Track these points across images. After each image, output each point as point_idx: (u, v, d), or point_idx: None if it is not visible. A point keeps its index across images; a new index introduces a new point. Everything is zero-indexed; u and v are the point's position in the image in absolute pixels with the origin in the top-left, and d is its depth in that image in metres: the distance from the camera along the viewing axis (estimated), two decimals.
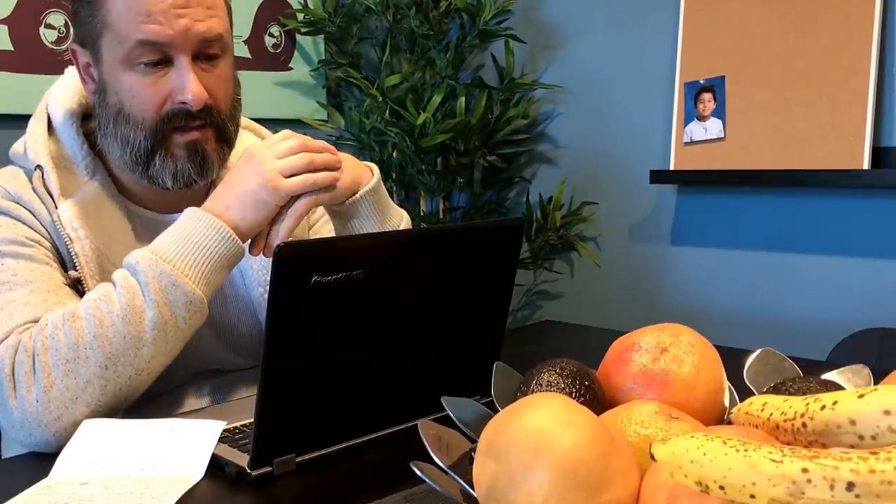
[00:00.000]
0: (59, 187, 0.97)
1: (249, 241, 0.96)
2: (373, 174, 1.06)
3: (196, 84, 0.94)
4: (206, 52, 0.96)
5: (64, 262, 0.97)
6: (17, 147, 1.02)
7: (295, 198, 0.95)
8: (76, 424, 0.85)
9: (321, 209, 1.18)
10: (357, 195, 1.03)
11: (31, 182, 0.98)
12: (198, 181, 0.99)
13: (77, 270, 0.96)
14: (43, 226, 0.97)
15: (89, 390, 0.86)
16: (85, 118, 1.04)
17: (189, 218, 0.92)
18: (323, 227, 1.18)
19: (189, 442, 0.81)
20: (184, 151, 0.97)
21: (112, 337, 0.86)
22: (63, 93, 1.04)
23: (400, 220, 1.12)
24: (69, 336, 0.86)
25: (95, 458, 0.79)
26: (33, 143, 0.99)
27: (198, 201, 1.03)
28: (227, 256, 0.92)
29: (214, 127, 0.99)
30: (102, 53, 0.95)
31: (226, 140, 1.01)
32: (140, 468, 0.77)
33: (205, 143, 0.98)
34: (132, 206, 1.04)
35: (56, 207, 0.96)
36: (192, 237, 0.91)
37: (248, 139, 1.15)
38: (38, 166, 0.98)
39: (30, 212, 0.97)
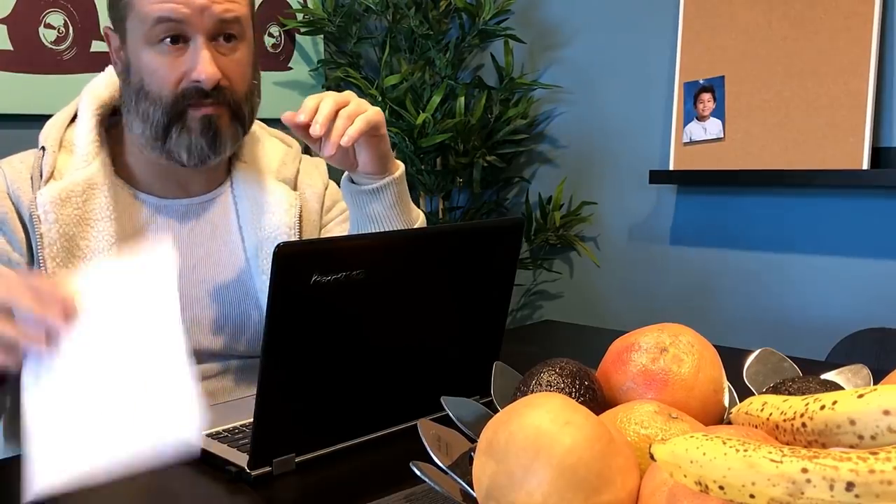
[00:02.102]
0: (53, 169, 1.00)
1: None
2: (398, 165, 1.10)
3: (210, 64, 0.97)
4: (224, 33, 0.99)
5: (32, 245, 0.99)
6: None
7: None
8: None
9: (337, 208, 1.20)
10: (386, 179, 1.05)
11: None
12: (211, 156, 1.02)
13: (35, 254, 0.98)
14: (19, 215, 0.99)
15: None
16: (116, 112, 1.08)
17: None
18: (335, 228, 1.19)
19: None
20: (198, 125, 1.00)
21: None
22: (97, 84, 1.08)
23: (417, 218, 1.14)
24: None
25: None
26: (50, 126, 1.04)
27: (213, 177, 1.10)
28: None
29: (228, 106, 1.01)
30: (128, 34, 0.99)
31: (239, 120, 1.04)
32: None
33: (218, 119, 1.01)
34: (137, 192, 1.06)
35: (39, 189, 0.99)
36: None
37: (275, 146, 1.18)
38: (43, 147, 1.02)
39: (12, 202, 0.99)
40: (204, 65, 0.96)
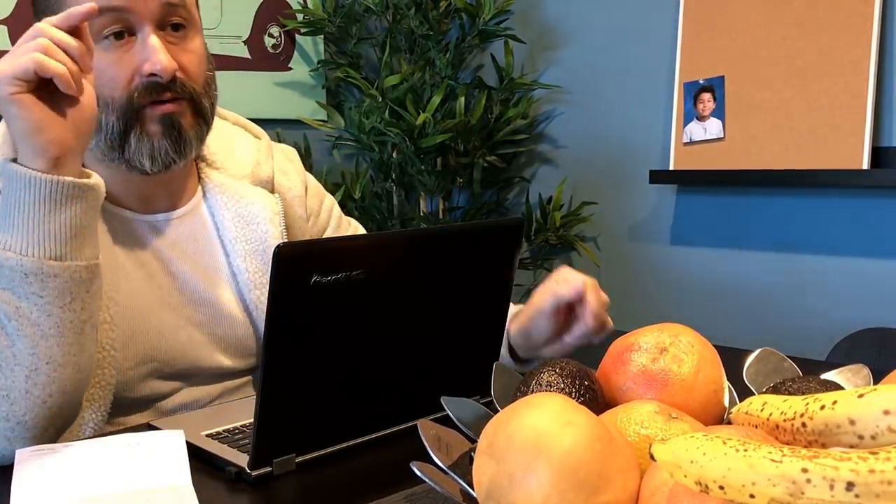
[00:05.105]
0: None
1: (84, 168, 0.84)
2: None
3: (163, 52, 0.88)
4: (170, 21, 0.91)
5: None
6: None
7: None
8: (6, 439, 0.80)
9: (325, 211, 1.17)
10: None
11: None
12: (176, 160, 0.93)
13: None
14: None
15: None
16: None
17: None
18: (336, 232, 1.17)
19: (155, 452, 0.77)
20: (158, 126, 0.91)
21: None
22: None
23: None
24: None
25: (58, 486, 0.71)
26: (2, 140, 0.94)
27: (179, 189, 1.01)
28: (43, 200, 0.79)
29: (188, 99, 0.92)
30: None
31: (202, 115, 0.95)
32: (120, 485, 0.71)
33: (180, 117, 0.92)
34: (109, 207, 0.98)
35: None
36: (5, 201, 0.80)
37: (241, 137, 1.11)
38: None
39: None
40: (157, 55, 0.87)
